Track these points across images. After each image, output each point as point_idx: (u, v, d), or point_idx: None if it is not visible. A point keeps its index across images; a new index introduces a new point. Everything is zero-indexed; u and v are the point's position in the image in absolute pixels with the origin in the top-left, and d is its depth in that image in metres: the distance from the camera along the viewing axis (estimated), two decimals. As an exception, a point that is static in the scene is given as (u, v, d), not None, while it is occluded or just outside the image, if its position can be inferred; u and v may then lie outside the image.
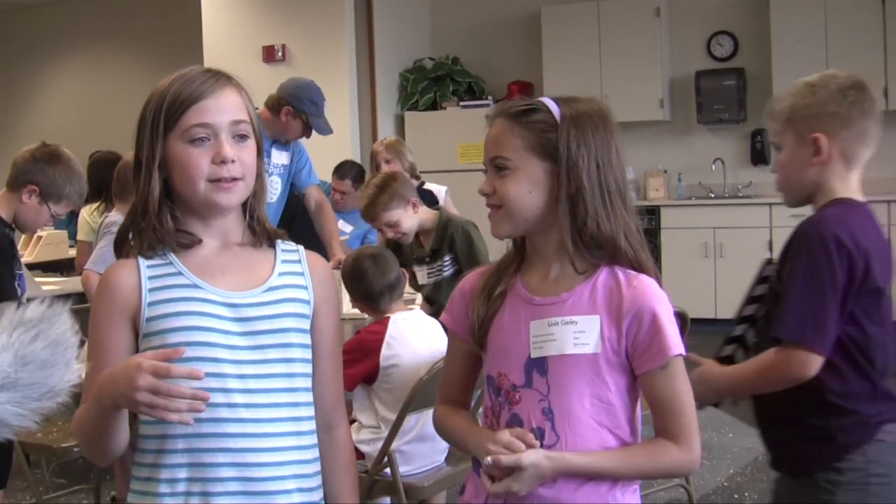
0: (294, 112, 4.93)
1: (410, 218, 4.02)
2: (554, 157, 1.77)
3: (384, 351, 3.24)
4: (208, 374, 1.65)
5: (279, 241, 1.84)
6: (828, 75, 2.28)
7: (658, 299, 1.76)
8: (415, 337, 3.32)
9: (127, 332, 1.72)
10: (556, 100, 1.82)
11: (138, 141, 1.75)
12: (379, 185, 4.03)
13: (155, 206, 1.73)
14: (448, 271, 4.09)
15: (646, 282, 1.77)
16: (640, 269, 1.79)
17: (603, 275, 1.78)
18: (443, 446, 3.37)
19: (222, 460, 1.70)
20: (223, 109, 1.72)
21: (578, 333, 1.75)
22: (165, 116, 1.71)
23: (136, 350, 1.71)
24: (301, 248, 1.87)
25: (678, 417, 1.77)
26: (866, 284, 2.15)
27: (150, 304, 1.71)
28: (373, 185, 4.06)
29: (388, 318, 3.35)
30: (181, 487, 1.71)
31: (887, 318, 2.22)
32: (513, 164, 1.79)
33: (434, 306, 3.99)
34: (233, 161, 1.71)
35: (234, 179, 1.72)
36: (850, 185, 2.26)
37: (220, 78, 1.75)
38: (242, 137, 1.74)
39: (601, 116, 1.81)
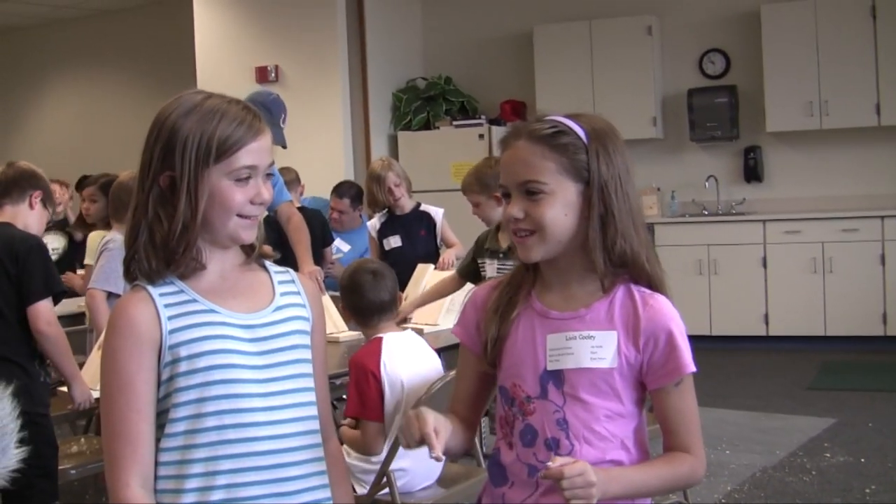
0: None
1: (493, 209, 4.10)
2: (585, 178, 1.78)
3: (381, 372, 3.19)
4: (232, 396, 1.72)
5: (267, 264, 1.90)
6: None
7: (673, 319, 1.80)
8: (409, 357, 3.29)
9: (154, 365, 1.72)
10: (571, 118, 1.82)
11: (171, 164, 1.74)
12: (476, 168, 4.16)
13: (185, 228, 1.74)
14: None
15: (662, 301, 1.80)
16: (656, 287, 1.82)
17: (620, 292, 1.81)
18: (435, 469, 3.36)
19: (253, 479, 1.74)
20: (265, 152, 1.80)
21: (596, 348, 1.78)
22: (217, 152, 1.73)
23: (160, 380, 1.72)
24: (290, 269, 1.94)
25: (689, 431, 1.81)
26: None
27: (171, 331, 1.72)
28: (476, 166, 4.18)
29: (380, 338, 3.31)
30: None
31: None
32: (548, 189, 1.78)
33: None
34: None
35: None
36: None
37: (259, 119, 1.80)
38: (268, 177, 1.83)
39: (615, 133, 1.84)
